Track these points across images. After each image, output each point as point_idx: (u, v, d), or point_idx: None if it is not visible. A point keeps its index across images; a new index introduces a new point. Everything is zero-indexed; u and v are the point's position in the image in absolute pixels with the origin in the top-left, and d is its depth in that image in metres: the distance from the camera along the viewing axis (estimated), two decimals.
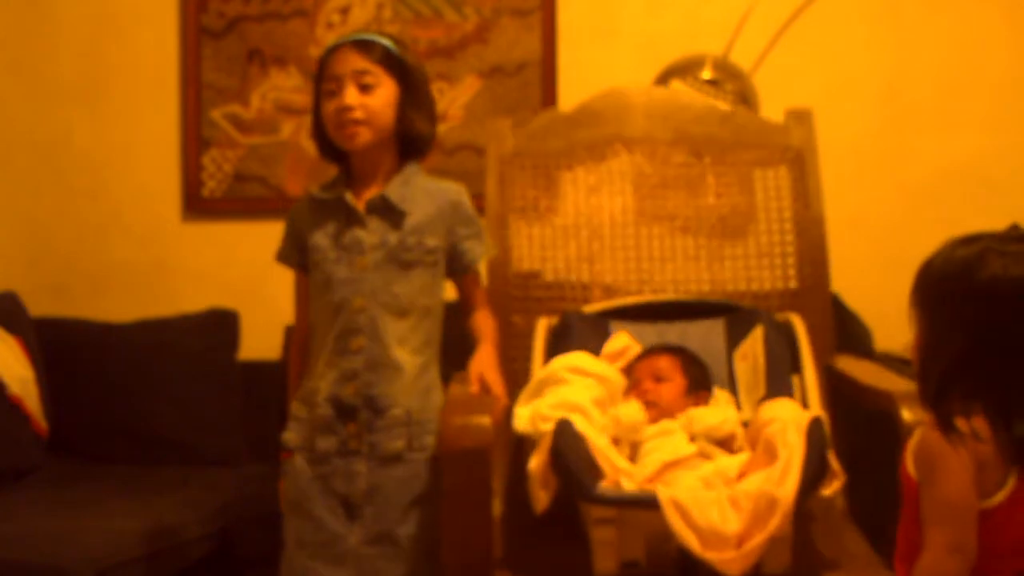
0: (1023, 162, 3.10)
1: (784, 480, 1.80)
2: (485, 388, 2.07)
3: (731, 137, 2.49)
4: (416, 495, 2.08)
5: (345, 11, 3.22)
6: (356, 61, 2.07)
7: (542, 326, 2.34)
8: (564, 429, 1.93)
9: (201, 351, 3.07)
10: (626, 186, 2.47)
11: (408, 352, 2.10)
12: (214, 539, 2.65)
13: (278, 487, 2.17)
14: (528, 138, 2.52)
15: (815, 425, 1.89)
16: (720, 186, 2.45)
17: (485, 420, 1.92)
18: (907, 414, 1.88)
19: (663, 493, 1.82)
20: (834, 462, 1.91)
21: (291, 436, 2.12)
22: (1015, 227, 1.53)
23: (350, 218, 2.10)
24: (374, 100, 2.07)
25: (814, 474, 1.83)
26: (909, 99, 3.12)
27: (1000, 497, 1.47)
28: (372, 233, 2.10)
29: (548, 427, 1.96)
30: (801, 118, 2.51)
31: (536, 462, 1.94)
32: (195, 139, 3.27)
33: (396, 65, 2.10)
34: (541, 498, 1.93)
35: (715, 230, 2.46)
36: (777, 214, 2.47)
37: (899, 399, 1.93)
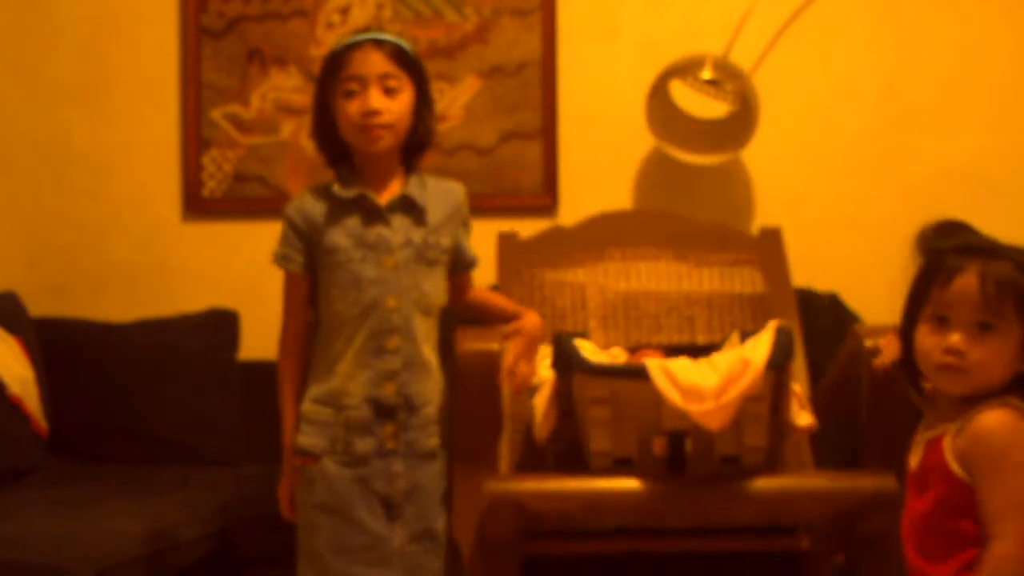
0: (1023, 162, 3.10)
1: (756, 348, 2.02)
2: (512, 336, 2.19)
3: (711, 245, 2.69)
4: (446, 489, 2.12)
5: (345, 11, 3.22)
6: (381, 64, 2.06)
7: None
8: (563, 336, 2.14)
9: (201, 351, 3.07)
10: (619, 278, 2.64)
11: (431, 350, 2.13)
12: (214, 539, 2.65)
13: (278, 492, 2.15)
14: (533, 243, 2.72)
15: (781, 326, 2.09)
16: (703, 278, 2.64)
17: (495, 334, 2.17)
18: (868, 342, 2.10)
19: (652, 362, 2.01)
20: (807, 405, 2.10)
21: (313, 440, 2.09)
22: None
23: (372, 217, 2.09)
24: (398, 104, 2.07)
25: (783, 347, 2.02)
26: (909, 99, 3.12)
27: None
28: (396, 232, 2.09)
29: (548, 374, 2.13)
30: (772, 236, 2.71)
31: (540, 397, 2.15)
32: (195, 139, 3.27)
33: (413, 66, 2.11)
34: (543, 428, 2.14)
35: (701, 306, 2.60)
36: (750, 295, 2.63)
37: (861, 332, 2.18)
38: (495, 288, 2.56)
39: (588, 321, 2.55)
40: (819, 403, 2.26)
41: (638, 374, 2.00)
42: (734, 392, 1.94)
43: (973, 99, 3.11)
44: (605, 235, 2.70)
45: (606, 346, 2.46)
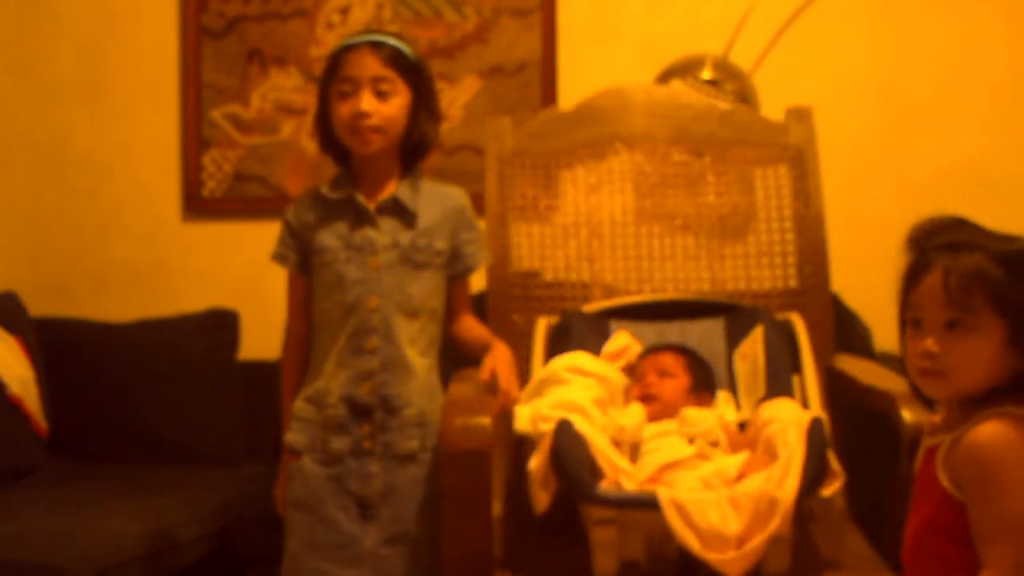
0: (1023, 162, 3.10)
1: (784, 480, 1.81)
2: (493, 380, 2.07)
3: (731, 136, 2.48)
4: (428, 494, 2.08)
5: (345, 11, 3.22)
6: (375, 66, 2.06)
7: (542, 325, 2.34)
8: (564, 429, 1.93)
9: (201, 351, 3.07)
10: (626, 185, 2.47)
11: (417, 353, 2.11)
12: (214, 539, 2.65)
13: (274, 490, 2.16)
14: (527, 137, 2.52)
15: (815, 425, 1.89)
16: (720, 185, 2.45)
17: (485, 421, 1.92)
18: (907, 414, 1.88)
19: (663, 494, 1.82)
20: (834, 462, 1.91)
21: (297, 438, 2.10)
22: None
23: (360, 218, 2.10)
24: (390, 108, 2.07)
25: (814, 474, 1.83)
26: (909, 99, 3.12)
27: None
28: (384, 234, 2.09)
29: (548, 427, 1.96)
30: (801, 116, 2.51)
31: (536, 462, 1.95)
32: (195, 139, 3.27)
33: (411, 71, 2.10)
34: (541, 498, 1.94)
35: (715, 229, 2.46)
36: (777, 212, 2.47)
37: (899, 399, 1.93)
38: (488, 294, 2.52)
39: (591, 241, 2.41)
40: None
41: (648, 504, 1.82)
42: (760, 539, 1.77)
43: (973, 99, 3.11)
44: (609, 122, 2.49)
45: (614, 277, 2.37)
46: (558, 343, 2.28)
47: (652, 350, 2.26)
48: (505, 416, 2.11)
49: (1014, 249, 1.50)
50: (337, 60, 2.09)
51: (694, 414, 2.09)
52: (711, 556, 1.78)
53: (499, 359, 2.11)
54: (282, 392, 2.17)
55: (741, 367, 2.26)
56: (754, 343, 2.24)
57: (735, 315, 2.34)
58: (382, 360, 2.07)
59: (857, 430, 2.34)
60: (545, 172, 2.50)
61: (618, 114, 2.52)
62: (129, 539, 2.41)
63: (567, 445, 1.91)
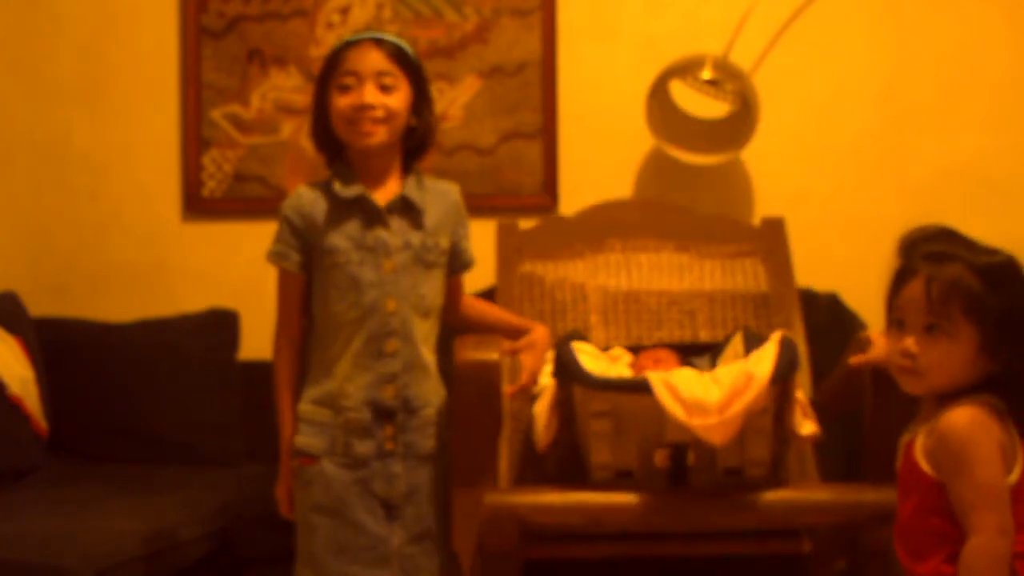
0: (1023, 162, 3.10)
1: (760, 362, 2.00)
2: (514, 355, 2.18)
3: (713, 236, 2.68)
4: (442, 490, 2.11)
5: (345, 11, 3.22)
6: (378, 61, 2.07)
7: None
8: (566, 344, 2.13)
9: (201, 351, 3.07)
10: (619, 272, 2.62)
11: (429, 351, 2.13)
12: (214, 539, 2.65)
13: (276, 493, 2.15)
14: (532, 233, 2.71)
15: (785, 337, 2.08)
16: (703, 272, 2.63)
17: (494, 343, 2.12)
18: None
19: (655, 376, 1.99)
20: (810, 412, 2.08)
21: (311, 441, 2.09)
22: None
23: (372, 219, 2.10)
24: (394, 101, 2.08)
25: (787, 360, 2.01)
26: (909, 99, 3.12)
27: (1016, 474, 1.55)
28: (395, 235, 2.10)
29: (549, 381, 2.11)
30: (774, 226, 2.70)
31: (540, 405, 2.13)
32: (195, 139, 3.27)
33: (411, 67, 2.11)
34: (543, 436, 2.12)
35: (702, 303, 2.58)
36: (755, 289, 2.61)
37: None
38: (493, 293, 2.56)
39: (588, 315, 2.54)
40: (821, 406, 2.25)
41: (640, 388, 1.98)
42: (738, 406, 1.93)
43: (973, 99, 3.11)
44: (605, 225, 2.69)
45: (607, 342, 2.47)
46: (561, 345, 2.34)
47: (647, 347, 2.40)
48: (517, 400, 2.22)
49: (991, 262, 1.62)
50: (338, 56, 2.10)
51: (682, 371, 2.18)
52: (695, 422, 1.93)
53: (539, 340, 2.21)
54: (279, 393, 2.15)
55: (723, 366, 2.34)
56: (735, 348, 2.31)
57: (720, 347, 2.43)
58: (404, 362, 2.08)
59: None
60: (551, 257, 2.66)
61: (613, 221, 2.72)
62: (129, 539, 2.41)
63: (568, 351, 2.10)
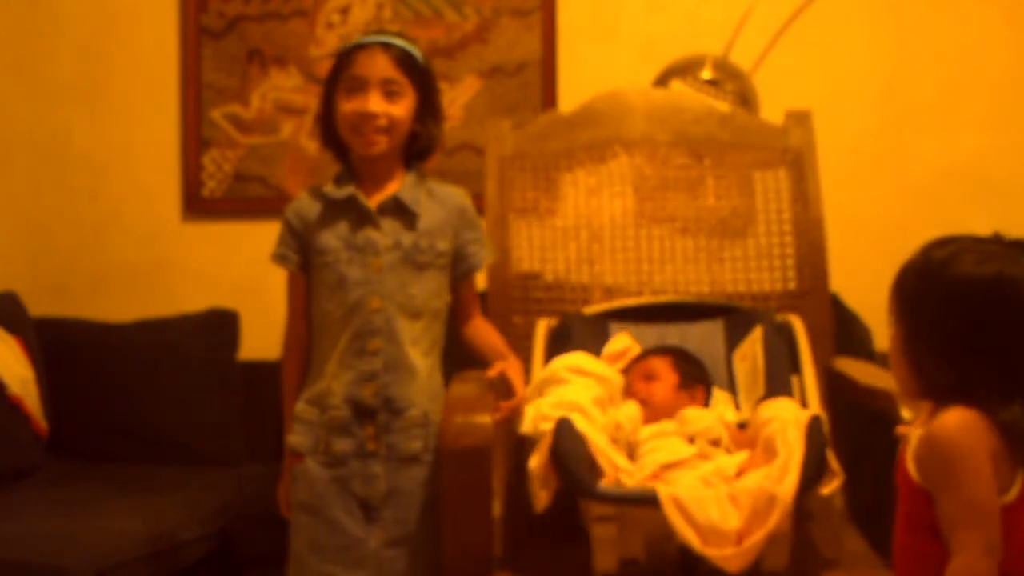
0: (1023, 162, 3.10)
1: (783, 477, 1.81)
2: (501, 380, 2.09)
3: (730, 139, 2.49)
4: (430, 496, 2.08)
5: (345, 11, 3.22)
6: (386, 67, 2.06)
7: (542, 327, 2.35)
8: (564, 428, 1.94)
9: (201, 351, 3.07)
10: (626, 188, 2.47)
11: (420, 354, 2.11)
12: (214, 539, 2.65)
13: (277, 492, 2.16)
14: (528, 139, 2.52)
15: (814, 423, 1.91)
16: (720, 188, 2.45)
17: (486, 419, 1.92)
18: (906, 412, 1.89)
19: (663, 490, 1.83)
20: (833, 461, 1.91)
21: (300, 439, 2.10)
22: (996, 235, 1.53)
23: (362, 219, 2.10)
24: (398, 110, 2.07)
25: (813, 472, 1.84)
26: (909, 99, 3.12)
27: (1013, 494, 1.44)
28: (386, 235, 2.09)
29: (548, 426, 1.97)
30: (800, 119, 2.51)
31: (536, 461, 1.95)
32: (195, 139, 3.27)
33: (418, 74, 2.10)
34: (541, 497, 1.94)
35: (715, 231, 2.46)
36: (776, 215, 2.47)
37: (897, 397, 1.94)
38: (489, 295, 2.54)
39: (592, 244, 2.41)
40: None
41: (647, 501, 1.83)
42: (759, 535, 1.78)
43: (973, 99, 3.11)
44: (609, 126, 2.49)
45: (614, 279, 2.37)
46: (558, 344, 2.28)
47: (638, 358, 2.27)
48: (506, 418, 2.11)
49: (927, 257, 1.51)
50: (347, 58, 2.09)
51: (693, 413, 2.10)
52: (711, 552, 1.78)
53: (512, 367, 2.14)
54: (283, 394, 2.16)
55: (740, 368, 2.27)
56: (753, 344, 2.25)
57: (734, 317, 2.34)
58: (385, 361, 2.07)
59: (857, 430, 2.35)
60: (545, 174, 2.50)
61: (618, 117, 2.52)
62: (129, 539, 2.41)
63: (567, 443, 1.91)
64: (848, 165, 3.12)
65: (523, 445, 2.14)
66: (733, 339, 2.32)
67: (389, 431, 2.07)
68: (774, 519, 1.78)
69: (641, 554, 1.87)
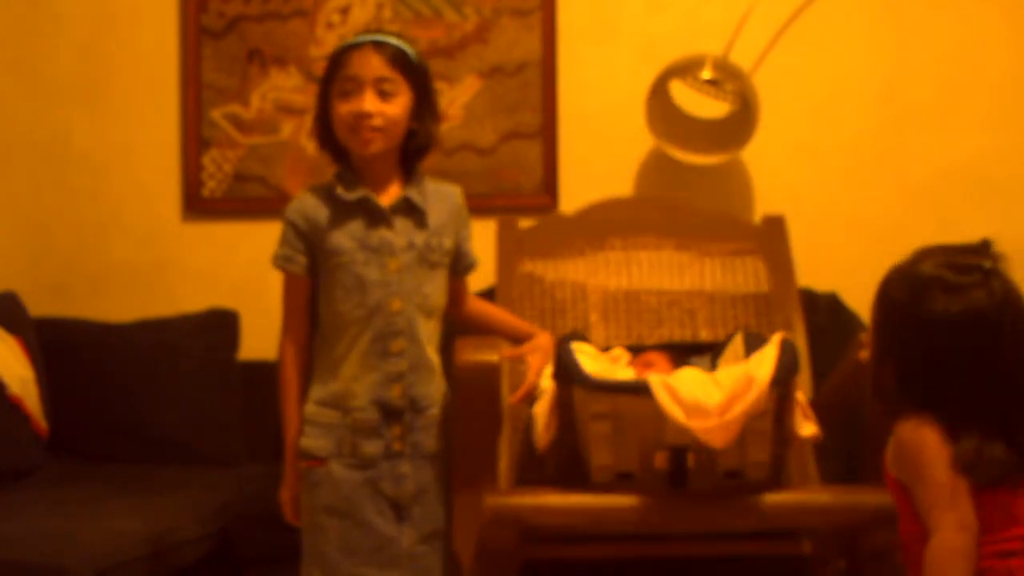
0: (1023, 162, 3.10)
1: (760, 365, 1.98)
2: (518, 359, 2.19)
3: (714, 234, 2.66)
4: (446, 489, 2.12)
5: (345, 11, 3.22)
6: (379, 66, 2.06)
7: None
8: (565, 344, 2.12)
9: (201, 351, 3.07)
10: (620, 271, 2.62)
11: (434, 351, 2.14)
12: (214, 539, 2.65)
13: (279, 495, 2.15)
14: (533, 231, 2.69)
15: (785, 340, 2.06)
16: (704, 270, 2.63)
17: (493, 352, 2.11)
18: (865, 337, 2.04)
19: (654, 379, 1.97)
20: (810, 413, 2.07)
21: (318, 443, 2.09)
22: (985, 242, 1.68)
23: (376, 219, 2.10)
24: (392, 108, 2.07)
25: (788, 363, 1.98)
26: (909, 99, 3.12)
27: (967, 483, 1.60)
28: (399, 235, 2.10)
29: (550, 383, 2.11)
30: (775, 224, 2.68)
31: (540, 406, 2.11)
32: (195, 139, 3.27)
33: (413, 72, 2.10)
34: (543, 437, 2.11)
35: (703, 303, 2.58)
36: (755, 289, 2.61)
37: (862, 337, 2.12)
38: (493, 292, 2.56)
39: (588, 314, 2.54)
40: (821, 408, 2.24)
41: (640, 390, 1.97)
42: (738, 409, 1.92)
43: (973, 99, 3.11)
44: (606, 223, 2.67)
45: (607, 341, 2.47)
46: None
47: (637, 351, 2.39)
48: (519, 403, 2.20)
49: (892, 287, 1.69)
50: (340, 59, 2.09)
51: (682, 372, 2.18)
52: (694, 424, 1.92)
53: (544, 345, 2.23)
54: (286, 397, 2.13)
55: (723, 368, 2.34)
56: (735, 350, 2.31)
57: (720, 346, 2.42)
58: (410, 362, 2.08)
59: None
60: (552, 255, 2.65)
61: (614, 218, 2.71)
62: (129, 539, 2.41)
63: (568, 351, 2.08)
64: (848, 165, 3.13)
65: (529, 430, 2.25)
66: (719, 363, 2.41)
67: (413, 430, 2.09)
68: (752, 395, 1.92)
69: (634, 466, 1.99)
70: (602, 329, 2.53)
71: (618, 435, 1.98)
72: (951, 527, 1.54)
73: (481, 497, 1.99)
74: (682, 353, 2.42)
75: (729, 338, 2.38)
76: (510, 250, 2.63)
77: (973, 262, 1.64)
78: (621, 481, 2.00)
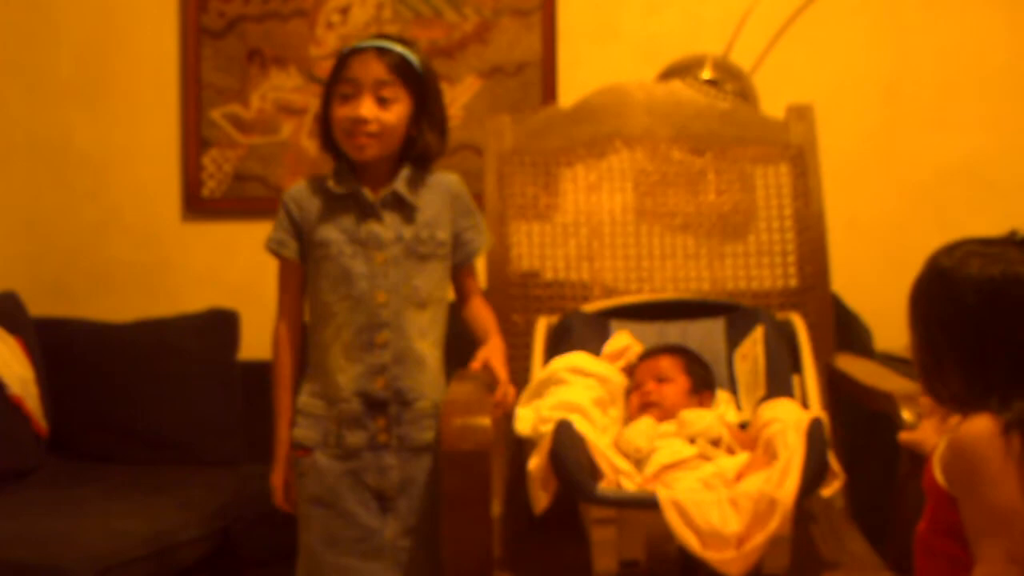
0: (1023, 162, 3.10)
1: (784, 481, 1.81)
2: (489, 372, 2.09)
3: (732, 134, 2.49)
4: (438, 483, 2.08)
5: (345, 11, 3.22)
6: (379, 71, 2.06)
7: (542, 325, 2.34)
8: (563, 430, 1.93)
9: (201, 351, 3.07)
10: (626, 183, 2.47)
11: (429, 345, 2.13)
12: (214, 539, 2.65)
13: (271, 481, 2.15)
14: (527, 135, 2.52)
15: (815, 426, 1.90)
16: (721, 183, 2.45)
17: (485, 421, 1.92)
18: (907, 414, 1.89)
19: (663, 494, 1.83)
20: (834, 462, 1.91)
21: (306, 433, 2.11)
22: (1013, 233, 1.54)
23: (364, 213, 2.10)
24: (389, 115, 2.07)
25: (814, 475, 1.84)
26: (909, 99, 3.12)
27: None
28: (388, 228, 2.10)
29: (548, 428, 1.96)
30: (802, 114, 2.51)
31: (536, 463, 1.95)
32: (195, 139, 3.27)
33: (414, 79, 2.10)
34: (541, 498, 1.94)
35: (715, 228, 2.46)
36: (778, 211, 2.47)
37: (899, 399, 1.94)
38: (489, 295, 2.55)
39: (592, 241, 2.42)
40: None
41: (647, 505, 1.83)
42: (760, 539, 1.78)
43: (973, 99, 3.11)
44: (609, 121, 2.49)
45: (615, 282, 2.36)
46: (558, 343, 2.28)
47: (648, 355, 2.25)
48: (505, 416, 2.12)
49: (928, 267, 1.55)
50: (343, 61, 2.10)
51: (692, 415, 2.09)
52: (711, 555, 1.78)
53: (492, 350, 2.14)
54: (277, 386, 2.15)
55: (741, 367, 2.27)
56: (754, 343, 2.24)
57: (735, 315, 2.34)
58: (393, 354, 2.08)
59: (857, 430, 2.35)
60: (545, 170, 2.50)
61: (618, 112, 2.52)
62: (129, 539, 2.41)
63: (566, 446, 1.90)
64: (848, 165, 3.12)
65: (522, 445, 2.15)
66: (734, 338, 2.31)
67: (400, 422, 2.09)
68: (774, 523, 1.77)
69: (641, 555, 1.86)
70: (607, 260, 2.41)
71: (623, 534, 1.85)
72: (1001, 560, 1.38)
73: None
74: (692, 314, 2.29)
75: (749, 322, 2.26)
76: (501, 157, 2.45)
77: (1003, 238, 1.53)
78: (627, 569, 1.87)
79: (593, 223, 2.46)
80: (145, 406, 3.04)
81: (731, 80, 2.94)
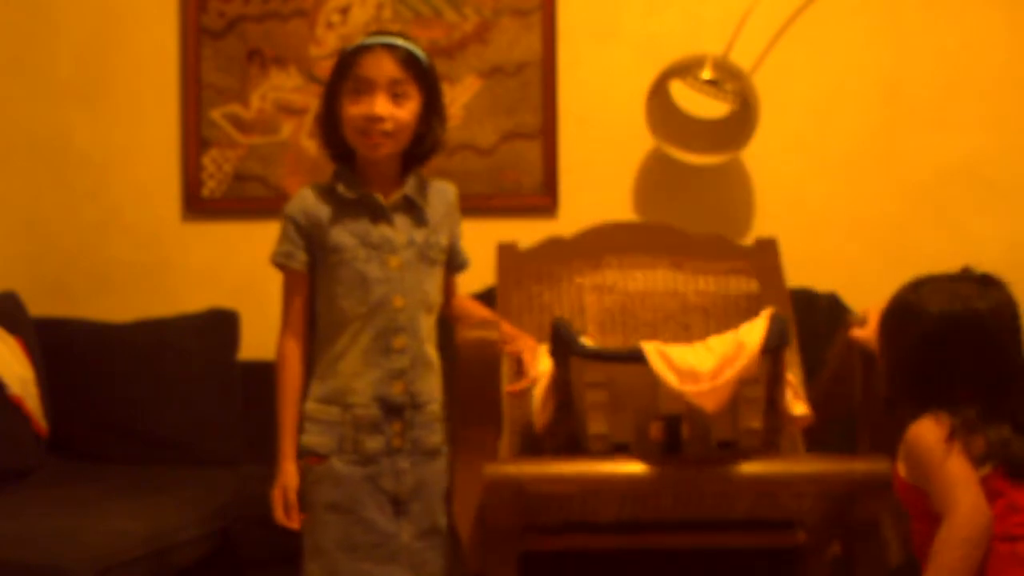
0: (1023, 162, 3.10)
1: (751, 332, 2.04)
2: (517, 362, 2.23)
3: (707, 255, 2.71)
4: (447, 485, 2.13)
5: (345, 11, 3.22)
6: (392, 69, 2.07)
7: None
8: (562, 320, 2.15)
9: (201, 351, 3.07)
10: (616, 287, 2.66)
11: (433, 347, 2.15)
12: (214, 539, 2.65)
13: (272, 495, 2.13)
14: (532, 252, 2.74)
15: (776, 313, 2.11)
16: (700, 285, 2.67)
17: (495, 325, 2.18)
18: (858, 311, 2.20)
19: (648, 345, 2.02)
20: (801, 391, 2.15)
21: (320, 440, 2.10)
22: (965, 269, 1.81)
23: (377, 216, 2.11)
24: (403, 112, 2.08)
25: (778, 331, 2.04)
26: (909, 99, 3.12)
27: (980, 474, 1.67)
28: (400, 232, 2.11)
29: (546, 366, 2.18)
30: (767, 246, 2.72)
31: (538, 389, 2.17)
32: (195, 139, 3.27)
33: (423, 75, 2.10)
34: (540, 417, 2.17)
35: (698, 315, 2.62)
36: (747, 299, 2.64)
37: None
38: (490, 295, 2.58)
39: (587, 326, 2.56)
40: (817, 399, 2.28)
41: (635, 357, 2.01)
42: (729, 373, 1.96)
43: (973, 99, 3.11)
44: (602, 244, 2.72)
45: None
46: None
47: None
48: (517, 401, 2.25)
49: (896, 300, 1.83)
50: (350, 59, 2.09)
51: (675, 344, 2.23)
52: (687, 389, 1.97)
53: (527, 345, 2.28)
54: (284, 394, 2.14)
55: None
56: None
57: None
58: (411, 358, 2.10)
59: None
60: (548, 275, 2.68)
61: (609, 240, 2.75)
62: (129, 539, 2.41)
63: (565, 325, 2.12)
64: (848, 165, 3.13)
65: (530, 434, 2.29)
66: None
67: (413, 426, 2.10)
68: (743, 360, 1.97)
69: (630, 436, 2.03)
70: (599, 340, 2.53)
71: (613, 405, 2.02)
72: (968, 506, 1.61)
73: (481, 471, 2.01)
74: None
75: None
76: (510, 271, 2.68)
77: (969, 276, 1.79)
78: (617, 451, 2.04)
79: (585, 318, 2.65)
80: (145, 406, 3.04)
81: (731, 80, 2.95)
